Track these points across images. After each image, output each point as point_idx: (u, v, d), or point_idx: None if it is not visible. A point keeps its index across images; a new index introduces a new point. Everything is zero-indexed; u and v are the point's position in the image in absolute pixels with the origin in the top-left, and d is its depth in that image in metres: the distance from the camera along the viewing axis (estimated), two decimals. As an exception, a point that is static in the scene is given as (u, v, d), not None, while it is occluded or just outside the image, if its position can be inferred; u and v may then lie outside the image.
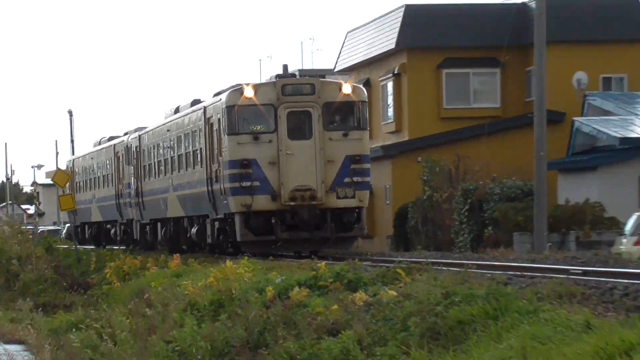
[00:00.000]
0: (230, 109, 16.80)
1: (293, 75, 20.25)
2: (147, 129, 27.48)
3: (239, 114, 16.84)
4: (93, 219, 33.49)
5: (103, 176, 30.60)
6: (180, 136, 22.84)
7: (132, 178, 27.26)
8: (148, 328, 11.80)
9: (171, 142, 23.99)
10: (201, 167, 20.34)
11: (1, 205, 53.56)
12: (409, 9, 36.69)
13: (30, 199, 59.15)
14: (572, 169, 34.47)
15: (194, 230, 22.05)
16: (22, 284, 20.76)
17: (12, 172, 58.97)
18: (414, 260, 15.33)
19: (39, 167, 51.34)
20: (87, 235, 35.18)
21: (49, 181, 39.36)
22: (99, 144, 32.33)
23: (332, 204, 16.99)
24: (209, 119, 18.96)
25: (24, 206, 60.33)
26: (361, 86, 18.89)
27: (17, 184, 65.69)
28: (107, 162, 30.08)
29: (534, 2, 27.70)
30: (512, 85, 36.37)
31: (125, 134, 29.65)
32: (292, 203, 16.70)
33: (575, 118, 33.93)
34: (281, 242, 17.31)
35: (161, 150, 25.39)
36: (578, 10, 35.68)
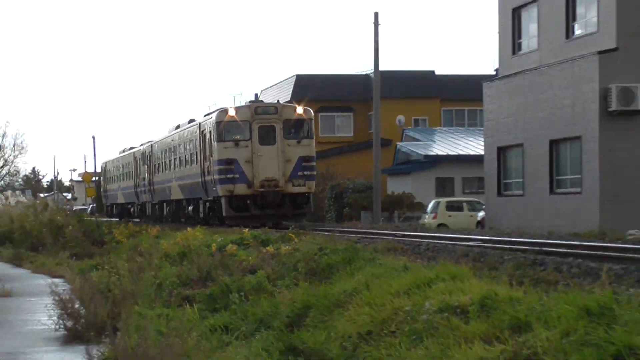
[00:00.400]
0: (218, 123, 18.53)
1: (261, 101, 22.15)
2: (156, 140, 29.89)
3: (225, 127, 18.57)
4: (118, 202, 38.10)
5: (126, 173, 35.19)
6: (181, 144, 24.25)
7: (146, 173, 30.22)
8: (139, 269, 12.22)
9: (174, 148, 25.61)
10: (196, 164, 21.46)
11: (51, 193, 68.50)
12: (299, 77, 42.52)
13: (68, 189, 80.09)
14: (395, 173, 38.96)
15: (190, 208, 23.58)
16: (63, 241, 23.60)
17: (58, 172, 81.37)
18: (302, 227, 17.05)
19: (74, 170, 67.61)
20: (114, 212, 40.17)
21: (79, 179, 49.76)
22: (124, 151, 37.49)
23: (289, 190, 18.55)
24: (202, 131, 20.35)
25: (64, 194, 75.34)
26: (309, 108, 19.77)
27: (60, 180, 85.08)
28: (129, 163, 34.25)
29: (372, 73, 31.20)
30: (361, 123, 42.36)
31: (141, 144, 32.97)
32: (262, 189, 18.24)
33: (398, 143, 39.09)
34: (254, 217, 18.57)
35: (167, 154, 26.95)
36: (398, 78, 41.04)
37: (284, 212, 18.78)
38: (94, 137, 41.88)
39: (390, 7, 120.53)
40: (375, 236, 14.25)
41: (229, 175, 18.32)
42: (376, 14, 28.41)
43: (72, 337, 9.12)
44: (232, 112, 18.58)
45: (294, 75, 43.22)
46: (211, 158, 19.25)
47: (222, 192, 18.50)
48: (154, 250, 14.99)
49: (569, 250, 9.54)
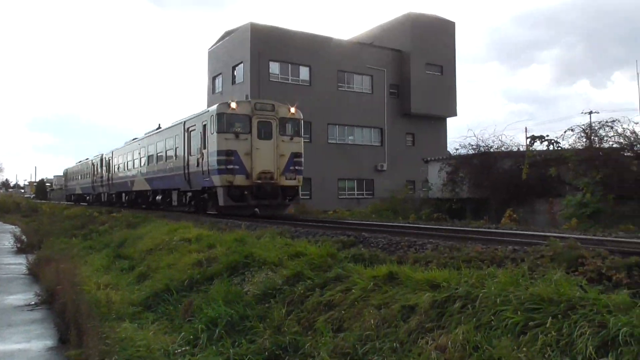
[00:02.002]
0: (220, 115, 18.74)
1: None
2: (118, 147, 35.07)
3: (227, 119, 18.80)
4: (76, 192, 52.37)
5: (84, 174, 47.24)
6: (153, 144, 26.75)
7: (104, 172, 38.12)
8: (52, 222, 27.46)
9: (140, 150, 28.88)
10: (175, 159, 23.06)
11: (12, 189, 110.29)
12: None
13: (22, 187, 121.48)
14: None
15: (157, 197, 26.05)
16: (19, 209, 50.15)
17: (17, 179, 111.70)
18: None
19: (25, 179, 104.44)
20: (72, 199, 55.45)
21: (27, 183, 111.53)
22: (80, 161, 50.95)
23: (282, 182, 19.16)
24: (190, 128, 21.38)
25: (21, 189, 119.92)
26: (299, 110, 20.34)
27: (17, 183, 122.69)
28: (87, 167, 45.35)
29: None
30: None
31: (95, 156, 41.71)
32: (259, 181, 18.65)
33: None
34: (250, 207, 19.33)
35: (129, 156, 30.92)
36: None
37: (278, 203, 19.47)
38: (35, 167, 70.52)
39: None
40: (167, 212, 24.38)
41: (229, 166, 18.55)
42: None
43: (20, 251, 19.36)
44: (234, 105, 19.00)
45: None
46: (205, 150, 19.60)
47: (220, 182, 18.57)
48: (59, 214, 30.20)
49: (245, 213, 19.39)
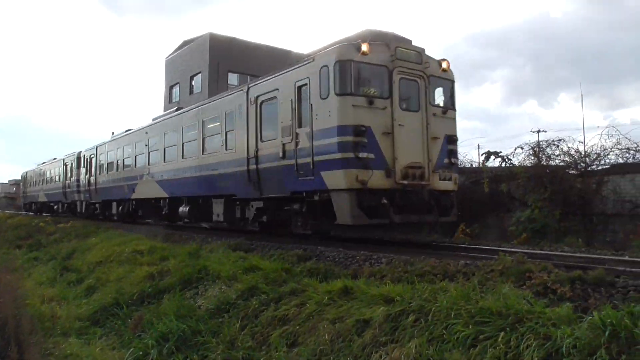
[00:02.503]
0: (345, 65, 10.47)
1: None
2: (107, 141, 25.92)
3: (355, 71, 10.60)
4: (39, 200, 41.89)
5: (50, 177, 37.76)
6: (195, 123, 16.59)
7: (82, 175, 29.02)
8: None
9: (155, 143, 19.71)
10: (226, 149, 14.38)
11: None
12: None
13: None
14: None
15: (218, 209, 14.84)
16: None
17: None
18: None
19: None
20: (33, 208, 45.54)
21: None
22: (43, 163, 41.74)
23: (436, 185, 11.35)
24: (297, 84, 11.55)
25: None
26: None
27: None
28: (55, 169, 36.25)
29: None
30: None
31: (67, 155, 33.28)
32: (404, 182, 10.72)
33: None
34: (392, 226, 11.00)
35: (131, 150, 21.95)
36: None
37: (430, 220, 11.51)
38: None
39: None
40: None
41: (360, 154, 10.32)
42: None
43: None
44: (366, 49, 10.71)
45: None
46: (304, 129, 11.25)
47: (344, 181, 10.23)
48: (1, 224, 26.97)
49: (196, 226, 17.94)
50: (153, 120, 21.12)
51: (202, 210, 15.99)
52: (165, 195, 18.28)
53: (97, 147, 27.07)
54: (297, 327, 5.78)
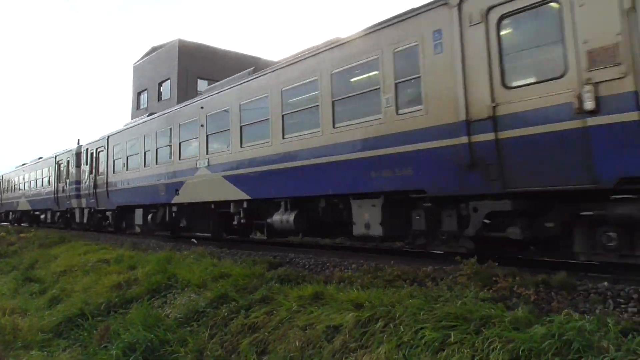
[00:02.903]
0: None
1: None
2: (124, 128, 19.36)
3: None
4: (19, 209, 34.71)
5: (34, 180, 31.55)
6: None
7: (86, 174, 22.35)
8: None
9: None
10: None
11: None
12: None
13: None
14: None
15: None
16: None
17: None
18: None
19: None
20: (10, 218, 37.62)
21: None
22: (23, 164, 35.29)
23: None
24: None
25: None
26: None
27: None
28: (41, 171, 30.37)
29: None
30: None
31: (57, 153, 27.28)
32: None
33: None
34: None
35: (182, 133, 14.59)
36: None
37: None
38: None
39: None
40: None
41: None
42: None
43: None
44: None
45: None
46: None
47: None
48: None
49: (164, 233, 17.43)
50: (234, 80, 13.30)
51: (322, 217, 10.35)
52: (242, 197, 11.92)
53: (108, 138, 20.38)
54: (267, 335, 5.76)
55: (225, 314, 6.58)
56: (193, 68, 39.83)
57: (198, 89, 39.84)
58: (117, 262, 11.45)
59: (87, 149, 22.61)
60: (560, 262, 7.72)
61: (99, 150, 21.21)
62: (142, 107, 44.59)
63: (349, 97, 9.32)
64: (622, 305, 4.92)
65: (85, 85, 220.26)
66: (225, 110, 12.83)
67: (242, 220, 12.36)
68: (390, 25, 8.62)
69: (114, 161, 19.36)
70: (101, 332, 7.35)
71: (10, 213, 37.31)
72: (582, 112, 6.05)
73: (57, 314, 8.90)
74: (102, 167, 20.54)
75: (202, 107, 13.86)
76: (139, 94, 45.56)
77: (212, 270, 8.62)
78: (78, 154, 23.71)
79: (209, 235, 14.72)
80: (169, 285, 8.57)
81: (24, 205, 33.23)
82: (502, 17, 7.13)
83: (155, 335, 6.49)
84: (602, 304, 4.87)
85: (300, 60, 10.60)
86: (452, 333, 4.24)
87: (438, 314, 4.54)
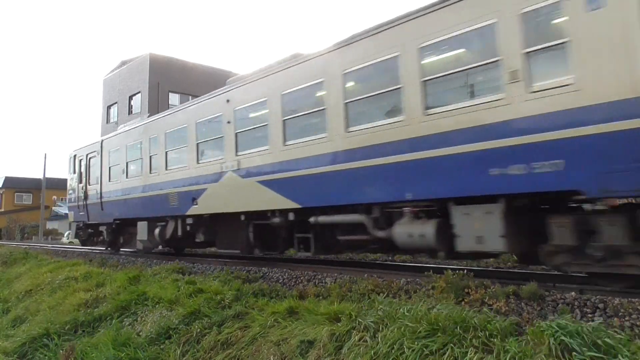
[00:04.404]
0: None
1: None
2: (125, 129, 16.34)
3: None
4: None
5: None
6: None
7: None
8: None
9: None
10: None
11: None
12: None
13: None
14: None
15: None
16: None
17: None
18: None
19: None
20: None
21: None
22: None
23: None
24: None
25: None
26: None
27: None
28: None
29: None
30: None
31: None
32: None
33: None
34: None
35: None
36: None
37: None
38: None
39: None
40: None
41: None
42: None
43: None
44: None
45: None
46: None
47: None
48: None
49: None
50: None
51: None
52: (289, 205, 9.70)
53: (102, 142, 17.43)
54: (241, 351, 5.67)
55: (198, 330, 6.47)
56: (164, 81, 39.56)
57: (170, 103, 39.51)
58: (85, 279, 11.15)
59: (74, 156, 19.00)
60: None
61: (89, 156, 17.95)
62: (112, 120, 43.94)
63: (439, 76, 7.29)
64: (589, 315, 5.03)
65: (53, 99, 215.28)
66: (261, 102, 10.51)
67: (295, 234, 10.01)
68: None
69: (109, 168, 16.42)
70: (67, 353, 7.12)
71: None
72: None
73: (21, 334, 8.59)
74: (94, 176, 17.49)
75: (228, 101, 11.44)
76: (108, 107, 44.90)
77: (185, 287, 8.46)
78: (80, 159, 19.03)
79: (236, 251, 11.62)
80: (140, 302, 8.37)
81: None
82: None
83: (125, 354, 6.32)
84: (570, 314, 4.96)
85: (388, 28, 8.12)
86: (430, 344, 4.25)
87: (415, 326, 4.54)
